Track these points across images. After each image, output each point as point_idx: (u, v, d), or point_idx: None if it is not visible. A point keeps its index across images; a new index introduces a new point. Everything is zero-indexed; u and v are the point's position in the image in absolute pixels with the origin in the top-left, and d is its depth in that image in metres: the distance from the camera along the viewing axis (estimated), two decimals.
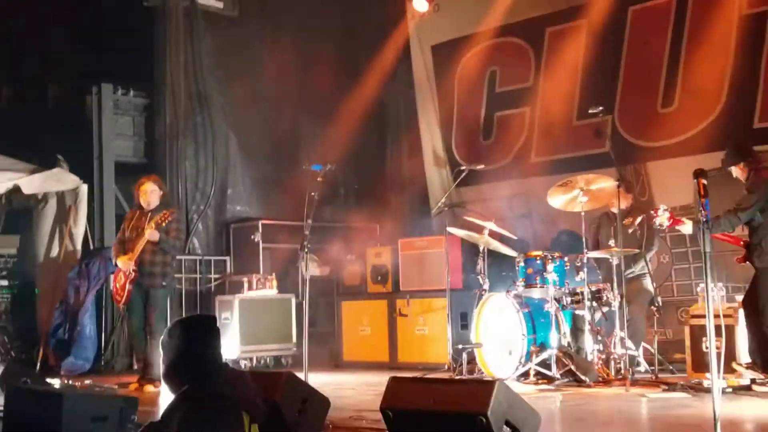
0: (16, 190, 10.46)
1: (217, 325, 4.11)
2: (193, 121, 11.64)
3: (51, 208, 10.76)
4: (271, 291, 10.62)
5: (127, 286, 8.58)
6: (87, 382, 8.27)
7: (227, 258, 11.54)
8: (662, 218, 7.13)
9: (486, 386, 4.51)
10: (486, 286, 8.65)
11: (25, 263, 10.99)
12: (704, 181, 4.08)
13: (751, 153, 7.45)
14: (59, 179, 10.67)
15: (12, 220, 11.11)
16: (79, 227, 10.79)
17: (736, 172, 7.38)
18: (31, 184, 10.51)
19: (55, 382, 8.15)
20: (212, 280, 11.26)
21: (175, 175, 11.42)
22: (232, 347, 10.23)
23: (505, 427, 4.43)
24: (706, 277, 4.12)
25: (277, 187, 11.67)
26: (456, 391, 4.69)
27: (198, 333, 3.91)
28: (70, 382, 8.49)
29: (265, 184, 12.08)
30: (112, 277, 9.25)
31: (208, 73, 11.74)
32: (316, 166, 7.56)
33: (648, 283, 8.62)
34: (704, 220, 4.10)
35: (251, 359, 10.35)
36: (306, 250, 7.33)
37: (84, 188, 10.82)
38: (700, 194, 4.06)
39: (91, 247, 11.11)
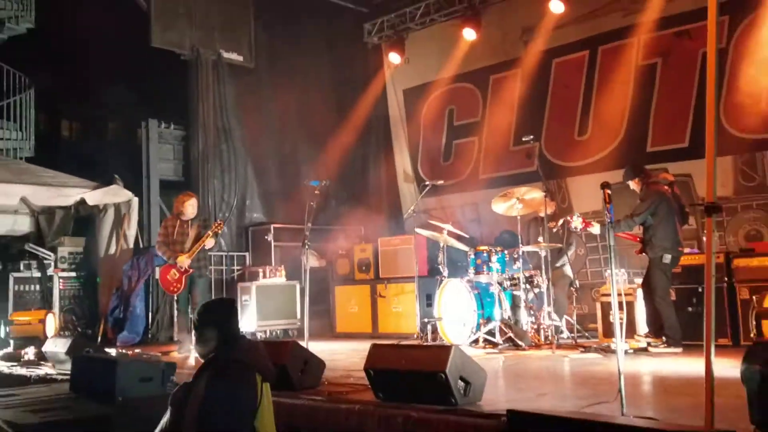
0: (82, 202, 10.56)
1: (236, 305, 4.10)
2: (219, 149, 11.60)
3: (109, 216, 10.72)
4: (280, 279, 10.58)
5: (183, 279, 8.56)
6: (137, 351, 8.21)
7: (246, 253, 11.50)
8: (576, 222, 7.14)
9: (445, 350, 4.52)
10: (445, 274, 8.66)
11: (89, 259, 10.94)
12: (609, 192, 4.11)
13: (643, 170, 7.47)
14: (116, 193, 10.72)
15: (79, 226, 11.08)
16: (132, 230, 10.80)
17: (633, 185, 7.42)
18: (94, 197, 10.59)
19: (112, 351, 8.10)
20: (235, 271, 11.21)
21: (206, 190, 11.39)
22: (250, 322, 10.19)
23: (459, 381, 4.44)
24: (611, 265, 4.14)
25: (285, 198, 11.68)
26: (422, 355, 4.70)
27: (221, 312, 3.91)
28: (124, 351, 8.43)
29: (275, 196, 12.07)
30: (158, 270, 9.09)
31: (230, 111, 11.71)
32: (314, 182, 7.55)
33: (568, 271, 8.68)
34: (609, 221, 4.12)
35: (265, 331, 10.30)
36: (306, 247, 7.30)
37: (135, 200, 10.88)
38: (605, 201, 4.09)
39: (141, 246, 11.11)
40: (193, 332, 3.95)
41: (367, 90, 12.89)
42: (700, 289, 7.32)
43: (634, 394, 4.67)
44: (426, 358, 4.59)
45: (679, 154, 9.45)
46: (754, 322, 4.59)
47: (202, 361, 3.84)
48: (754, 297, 4.90)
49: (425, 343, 8.24)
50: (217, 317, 3.85)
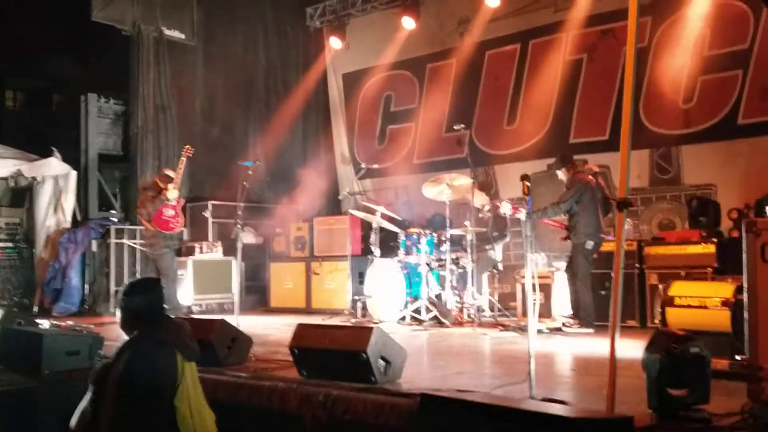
0: (19, 173, 10.25)
1: (161, 285, 3.92)
2: (158, 125, 11.19)
3: (47, 188, 10.37)
4: (217, 254, 10.33)
5: (179, 210, 8.41)
6: (69, 322, 7.84)
7: (184, 229, 11.16)
8: (505, 208, 7.11)
9: (367, 331, 4.46)
10: (377, 254, 8.60)
11: (27, 230, 10.55)
12: (528, 183, 4.04)
13: (571, 161, 7.49)
14: (53, 166, 10.37)
15: (17, 197, 10.67)
16: (69, 203, 10.49)
17: (561, 174, 7.44)
18: (31, 169, 10.30)
19: (44, 323, 7.70)
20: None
21: (144, 166, 10.99)
22: (186, 296, 9.94)
23: (380, 360, 4.38)
24: (527, 252, 4.09)
25: (223, 176, 11.35)
26: (345, 334, 4.62)
27: (146, 292, 3.73)
28: (58, 322, 8.11)
29: (213, 173, 11.72)
30: (151, 220, 8.45)
31: (169, 88, 11.28)
32: (247, 162, 7.38)
33: (492, 254, 8.70)
34: (527, 211, 4.07)
35: (201, 305, 10.06)
36: (239, 225, 7.11)
37: (73, 174, 10.55)
38: (524, 193, 4.02)
39: (78, 219, 10.75)
40: (118, 312, 3.78)
41: (308, 73, 12.69)
42: (612, 274, 7.42)
43: (546, 373, 4.69)
44: (349, 338, 4.51)
45: (599, 146, 9.57)
46: (659, 310, 4.64)
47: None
48: (660, 285, 4.96)
49: (355, 321, 8.19)
50: (141, 297, 3.69)
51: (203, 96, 11.69)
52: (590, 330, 6.87)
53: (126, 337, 3.72)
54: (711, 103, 8.78)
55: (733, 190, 8.50)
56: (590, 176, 7.28)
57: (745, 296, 2.98)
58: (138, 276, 10.33)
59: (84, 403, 3.59)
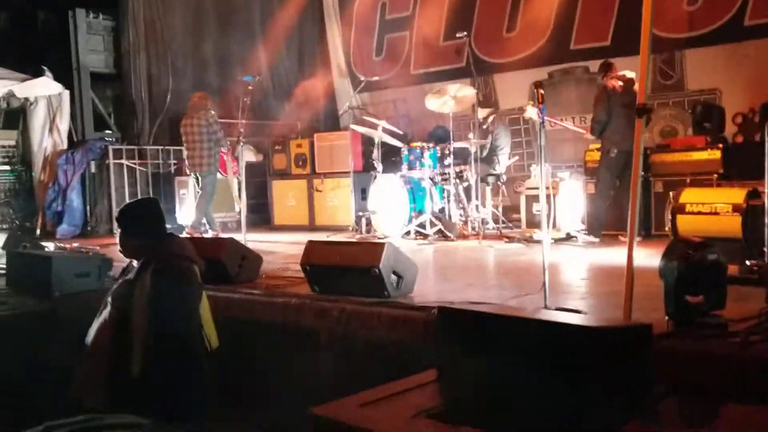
0: (11, 94, 9.98)
1: (160, 204, 3.88)
2: (150, 41, 10.85)
3: (41, 109, 10.16)
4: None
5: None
6: (75, 245, 7.88)
7: (183, 147, 10.99)
8: (531, 112, 6.88)
9: (378, 246, 4.43)
10: (380, 169, 8.52)
11: (23, 152, 10.41)
12: (542, 91, 3.90)
13: (604, 69, 7.17)
14: (45, 86, 10.11)
15: (10, 119, 10.47)
16: (64, 124, 10.30)
17: (599, 81, 7.25)
18: (23, 89, 10.02)
19: (50, 245, 7.74)
20: (171, 165, 10.76)
21: (138, 83, 10.75)
22: (188, 215, 9.91)
23: (392, 275, 4.38)
24: (541, 163, 4.02)
25: (220, 92, 11.10)
26: (356, 251, 4.61)
27: (152, 212, 3.68)
28: (63, 245, 8.10)
29: (210, 90, 11.42)
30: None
31: (161, 2, 10.89)
32: (247, 77, 7.18)
33: (495, 166, 8.60)
34: (540, 121, 3.95)
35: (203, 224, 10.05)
36: (241, 142, 6.99)
37: (66, 93, 10.30)
38: (537, 101, 3.88)
39: (75, 139, 10.59)
40: (119, 234, 3.69)
41: None
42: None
43: (556, 283, 4.70)
44: (361, 254, 4.49)
45: (601, 52, 9.30)
46: (669, 217, 4.61)
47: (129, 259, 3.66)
48: (670, 193, 4.92)
49: (359, 237, 8.19)
50: (148, 218, 3.64)
51: (193, 10, 11.27)
52: (596, 239, 6.87)
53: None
54: (717, 4, 8.50)
55: (737, 94, 8.35)
56: (617, 83, 6.99)
57: (766, 202, 2.92)
58: (139, 195, 10.28)
59: (101, 319, 3.58)
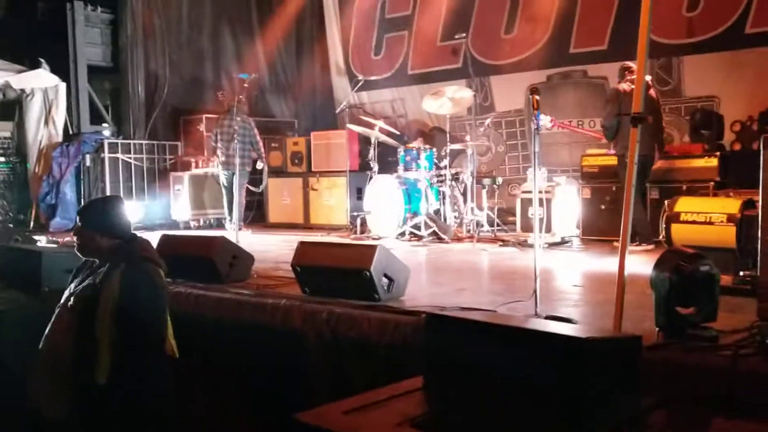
0: (7, 85, 9.99)
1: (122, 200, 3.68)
2: (148, 35, 10.80)
3: (37, 101, 10.18)
4: (213, 169, 10.18)
5: None
6: (67, 239, 7.85)
7: (179, 143, 10.96)
8: (544, 120, 6.74)
9: (370, 249, 4.40)
10: (376, 169, 8.49)
11: (18, 144, 10.36)
12: (537, 97, 3.84)
13: (622, 72, 7.01)
14: (42, 78, 10.12)
15: (6, 110, 10.41)
16: (60, 116, 10.30)
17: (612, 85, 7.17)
18: (19, 80, 10.05)
19: (42, 239, 7.72)
20: (167, 161, 10.71)
21: (135, 77, 10.69)
22: (184, 211, 9.89)
23: (383, 278, 4.35)
24: (534, 167, 3.99)
25: (214, 87, 11.07)
26: (348, 252, 4.57)
27: (116, 211, 3.48)
28: (55, 238, 8.05)
29: (207, 86, 11.41)
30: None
31: None
32: (243, 74, 7.15)
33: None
34: (536, 127, 3.90)
35: (198, 220, 10.03)
36: (236, 139, 6.94)
37: (63, 86, 10.29)
38: (533, 107, 3.82)
39: (70, 132, 10.55)
40: (81, 232, 3.45)
41: None
42: (614, 188, 7.36)
43: (548, 289, 4.67)
44: (352, 256, 4.46)
45: (598, 56, 9.31)
46: (663, 225, 4.58)
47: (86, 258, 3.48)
48: (666, 201, 4.89)
49: (354, 237, 8.16)
50: (118, 217, 3.46)
51: (192, 4, 11.21)
52: (650, 246, 6.45)
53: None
54: (717, 11, 8.45)
55: (736, 102, 8.31)
56: (626, 85, 6.82)
57: (759, 213, 2.89)
58: (133, 190, 10.25)
59: (56, 324, 3.37)
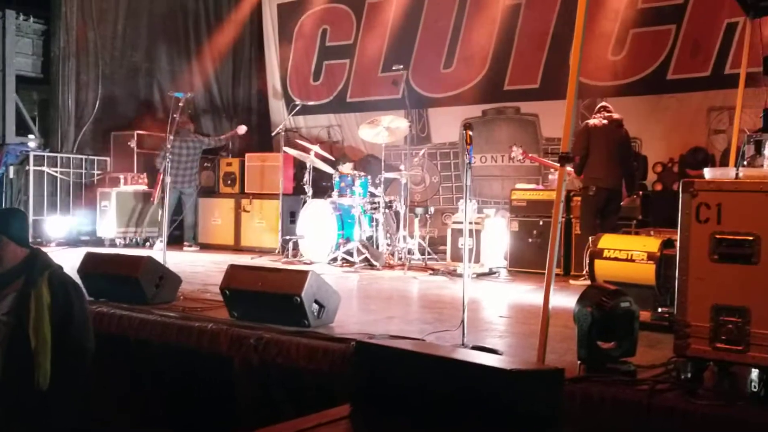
0: None
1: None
2: (81, 47, 10.51)
3: None
4: (142, 186, 9.94)
5: None
6: None
7: (108, 158, 10.64)
8: (516, 152, 6.92)
9: (301, 274, 4.38)
10: (310, 193, 8.47)
11: None
12: (470, 132, 3.92)
13: (598, 109, 7.16)
14: None
15: None
16: None
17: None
18: None
19: None
20: (95, 176, 10.39)
21: (66, 90, 10.36)
22: (109, 228, 9.60)
23: (314, 304, 4.32)
24: (466, 200, 4.06)
25: (147, 104, 10.85)
26: (279, 277, 4.52)
27: (20, 223, 3.46)
28: None
29: (139, 102, 11.15)
30: None
31: (93, 7, 10.57)
32: (178, 93, 7.04)
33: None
34: (468, 162, 3.97)
35: (124, 238, 9.74)
36: (168, 158, 6.81)
37: None
38: (466, 142, 3.91)
39: None
40: None
41: (241, 1, 12.09)
42: (541, 222, 7.57)
43: (475, 319, 4.74)
44: (283, 281, 4.42)
45: (530, 94, 9.60)
46: (587, 261, 4.73)
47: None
48: (590, 238, 5.05)
49: (285, 261, 8.09)
50: (26, 228, 3.48)
51: (127, 19, 10.99)
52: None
53: None
54: (641, 57, 8.87)
55: (657, 144, 8.70)
56: (599, 122, 6.97)
57: (677, 254, 3.03)
58: (58, 205, 9.90)
59: None
